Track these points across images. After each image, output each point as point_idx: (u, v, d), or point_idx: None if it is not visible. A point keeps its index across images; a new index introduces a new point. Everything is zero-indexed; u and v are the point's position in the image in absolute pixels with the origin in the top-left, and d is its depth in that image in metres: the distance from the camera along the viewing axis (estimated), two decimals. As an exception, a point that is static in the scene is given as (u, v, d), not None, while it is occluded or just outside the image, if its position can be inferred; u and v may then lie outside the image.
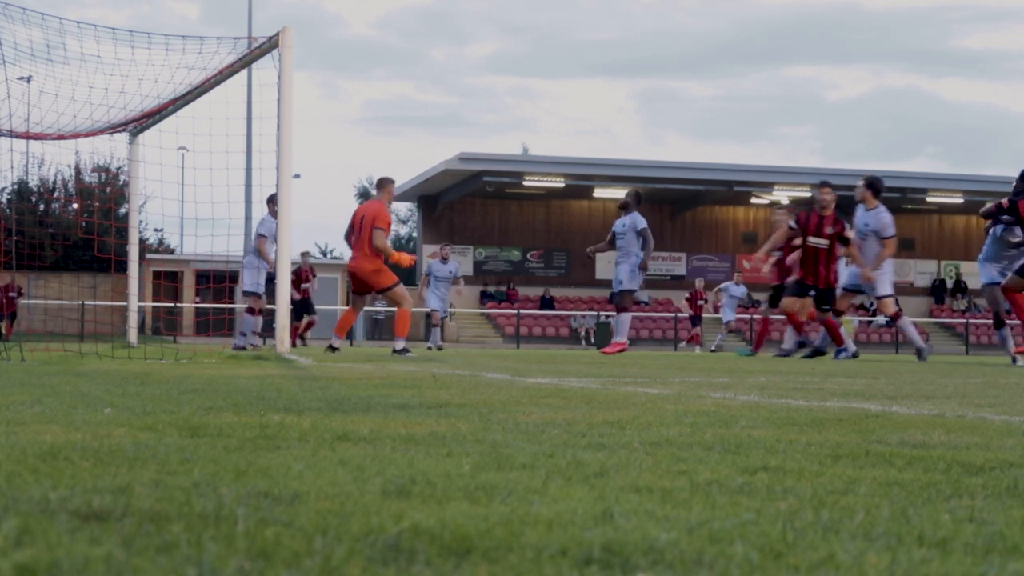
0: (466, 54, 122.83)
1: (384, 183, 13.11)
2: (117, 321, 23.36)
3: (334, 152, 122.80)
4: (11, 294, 31.28)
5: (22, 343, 11.14)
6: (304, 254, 24.26)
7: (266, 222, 15.83)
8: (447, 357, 12.73)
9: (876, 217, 14.50)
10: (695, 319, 30.53)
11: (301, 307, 22.83)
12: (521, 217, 44.53)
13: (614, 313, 16.07)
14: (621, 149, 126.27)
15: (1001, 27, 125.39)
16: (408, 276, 46.44)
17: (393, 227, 13.20)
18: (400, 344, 12.71)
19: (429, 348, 21.15)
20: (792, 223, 14.64)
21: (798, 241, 14.82)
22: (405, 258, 12.60)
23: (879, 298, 14.93)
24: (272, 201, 15.69)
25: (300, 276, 22.94)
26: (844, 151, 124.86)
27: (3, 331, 29.27)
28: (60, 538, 1.56)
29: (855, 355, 15.08)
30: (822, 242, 14.27)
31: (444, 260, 21.79)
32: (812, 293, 14.62)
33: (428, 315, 22.52)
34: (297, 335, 22.25)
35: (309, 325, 23.33)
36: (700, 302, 30.29)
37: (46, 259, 36.59)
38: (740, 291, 28.09)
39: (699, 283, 31.17)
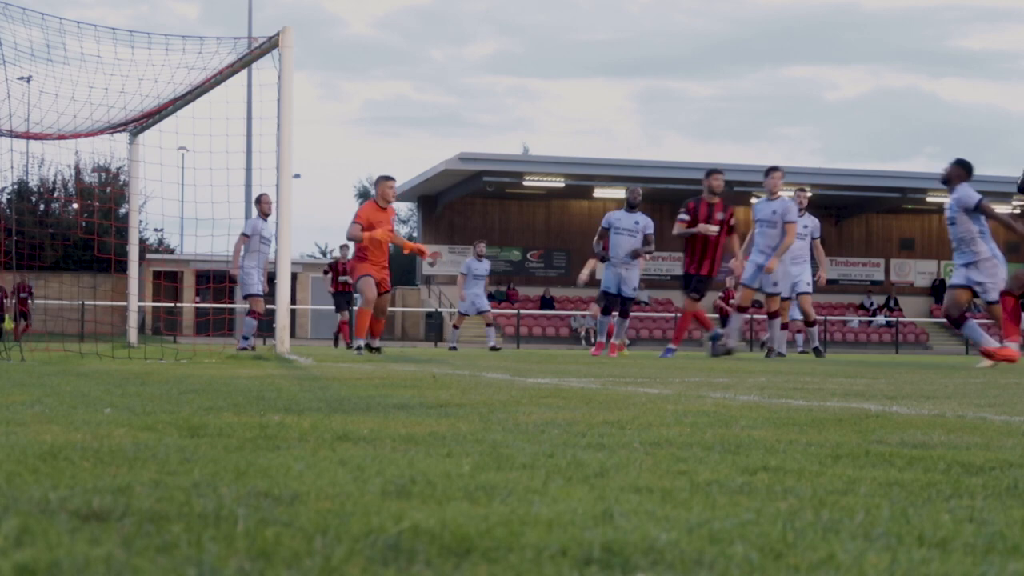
0: (465, 54, 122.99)
1: (376, 182, 13.14)
2: (117, 321, 23.35)
3: (334, 152, 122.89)
4: (23, 294, 31.16)
5: (22, 343, 11.14)
6: (344, 247, 23.16)
7: (249, 221, 15.60)
8: (447, 357, 12.72)
9: (783, 204, 14.42)
10: (726, 319, 30.11)
11: (341, 301, 22.20)
12: (521, 217, 44.53)
13: (613, 315, 15.87)
14: (621, 149, 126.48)
15: (999, 27, 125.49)
16: (408, 277, 46.50)
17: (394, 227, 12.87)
18: (357, 343, 12.77)
19: (452, 348, 20.97)
20: (683, 214, 14.24)
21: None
22: (378, 233, 12.50)
23: (770, 295, 14.60)
24: (259, 201, 15.46)
25: (338, 269, 22.19)
26: (843, 151, 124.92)
27: (5, 331, 29.23)
28: (60, 538, 1.56)
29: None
30: (713, 229, 13.97)
31: (480, 257, 21.60)
32: (693, 289, 14.26)
33: (469, 314, 21.94)
34: (348, 334, 21.57)
35: (346, 323, 22.25)
36: (732, 302, 29.95)
37: (46, 259, 36.56)
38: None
39: (729, 282, 30.86)
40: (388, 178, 13.07)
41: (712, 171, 14.35)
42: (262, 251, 15.53)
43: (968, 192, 11.64)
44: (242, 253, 15.43)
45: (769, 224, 14.42)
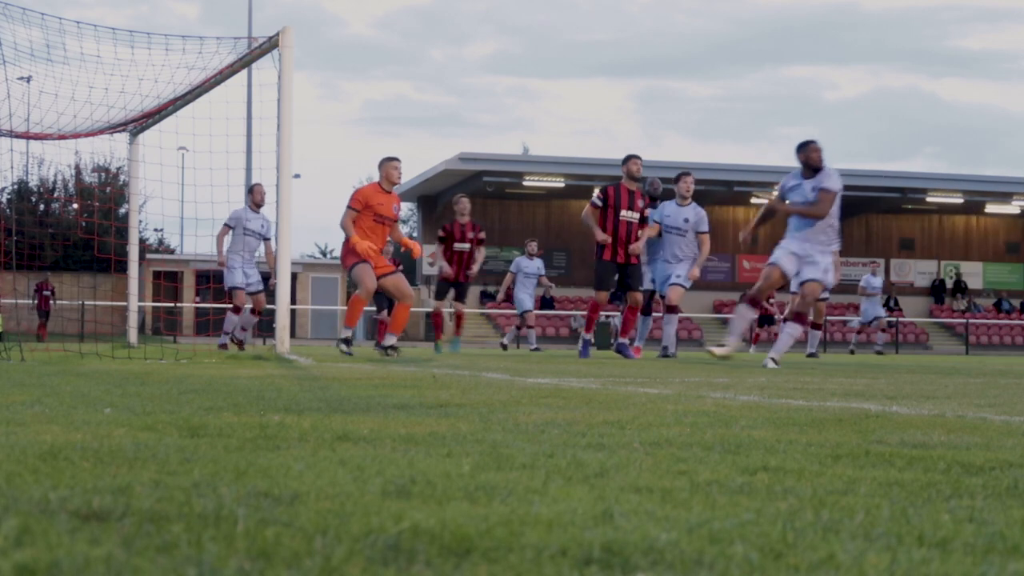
0: (465, 54, 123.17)
1: (380, 163, 11.98)
2: (117, 321, 23.34)
3: (334, 152, 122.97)
4: (45, 292, 30.99)
5: (22, 343, 11.14)
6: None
7: (234, 212, 14.85)
8: (447, 357, 12.70)
9: (696, 212, 13.88)
10: (766, 319, 29.51)
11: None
12: (521, 217, 44.54)
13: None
14: (621, 149, 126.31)
15: (999, 27, 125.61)
16: (408, 277, 46.44)
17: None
18: (343, 333, 12.02)
19: (535, 349, 20.03)
20: (597, 199, 13.38)
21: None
22: (359, 245, 11.40)
23: (677, 285, 13.83)
24: (251, 191, 15.04)
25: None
26: (843, 151, 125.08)
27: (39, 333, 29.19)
28: (60, 538, 1.56)
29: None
30: (634, 215, 13.20)
31: (531, 256, 21.31)
32: (615, 282, 13.46)
33: (521, 315, 21.00)
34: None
35: (459, 319, 20.27)
36: (770, 301, 29.50)
37: (46, 259, 36.55)
38: (877, 282, 24.38)
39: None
40: (393, 158, 11.99)
41: (631, 156, 13.49)
42: (247, 244, 15.05)
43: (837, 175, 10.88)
44: (226, 245, 15.03)
45: (679, 232, 13.85)
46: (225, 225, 14.90)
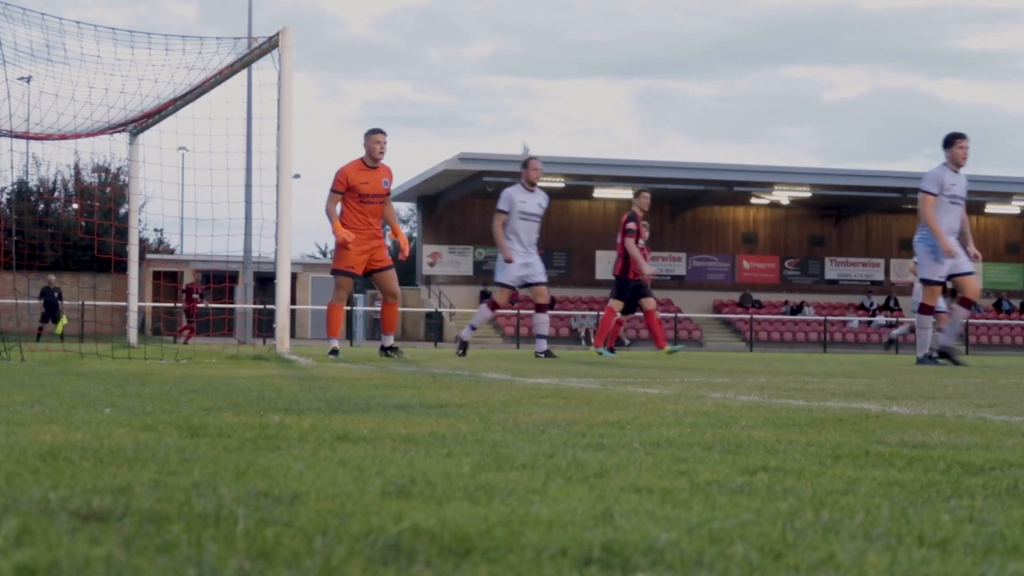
0: (464, 54, 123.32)
1: (364, 137, 11.31)
2: (117, 321, 23.34)
3: (334, 152, 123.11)
4: (195, 295, 29.67)
5: (22, 343, 11.13)
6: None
7: (505, 194, 13.05)
8: (446, 357, 12.68)
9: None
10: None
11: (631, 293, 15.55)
12: (521, 217, 44.49)
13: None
14: (620, 149, 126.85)
15: (998, 27, 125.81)
16: (408, 277, 46.44)
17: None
18: (333, 343, 11.59)
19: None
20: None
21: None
22: (339, 232, 11.03)
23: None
24: (524, 166, 13.22)
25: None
26: (842, 151, 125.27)
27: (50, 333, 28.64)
28: (60, 538, 1.56)
29: None
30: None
31: None
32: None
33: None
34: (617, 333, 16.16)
35: (651, 314, 15.39)
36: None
37: (46, 259, 36.58)
38: None
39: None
40: (377, 131, 11.25)
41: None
42: (525, 229, 13.01)
43: None
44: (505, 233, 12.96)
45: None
46: (499, 211, 13.02)
